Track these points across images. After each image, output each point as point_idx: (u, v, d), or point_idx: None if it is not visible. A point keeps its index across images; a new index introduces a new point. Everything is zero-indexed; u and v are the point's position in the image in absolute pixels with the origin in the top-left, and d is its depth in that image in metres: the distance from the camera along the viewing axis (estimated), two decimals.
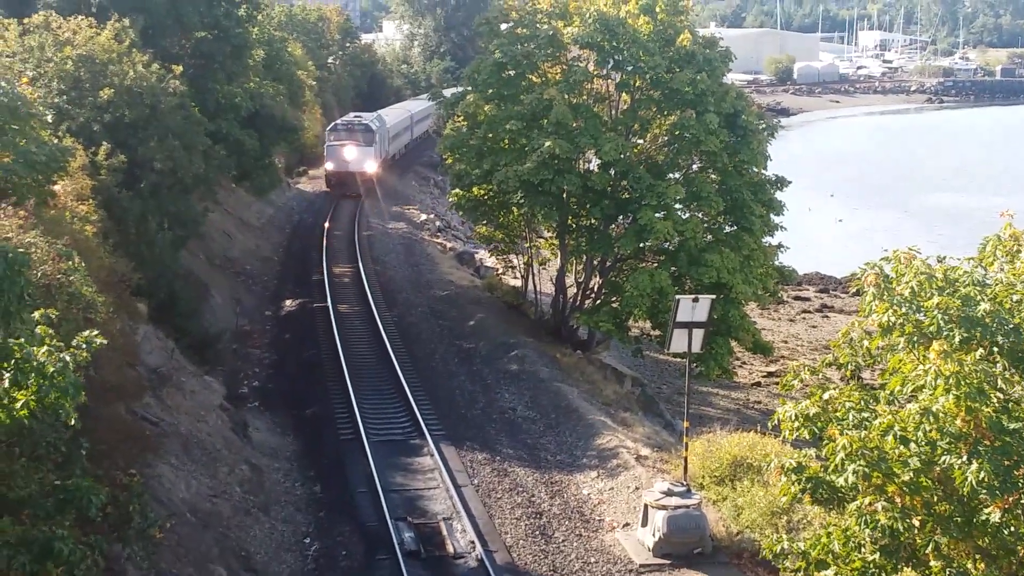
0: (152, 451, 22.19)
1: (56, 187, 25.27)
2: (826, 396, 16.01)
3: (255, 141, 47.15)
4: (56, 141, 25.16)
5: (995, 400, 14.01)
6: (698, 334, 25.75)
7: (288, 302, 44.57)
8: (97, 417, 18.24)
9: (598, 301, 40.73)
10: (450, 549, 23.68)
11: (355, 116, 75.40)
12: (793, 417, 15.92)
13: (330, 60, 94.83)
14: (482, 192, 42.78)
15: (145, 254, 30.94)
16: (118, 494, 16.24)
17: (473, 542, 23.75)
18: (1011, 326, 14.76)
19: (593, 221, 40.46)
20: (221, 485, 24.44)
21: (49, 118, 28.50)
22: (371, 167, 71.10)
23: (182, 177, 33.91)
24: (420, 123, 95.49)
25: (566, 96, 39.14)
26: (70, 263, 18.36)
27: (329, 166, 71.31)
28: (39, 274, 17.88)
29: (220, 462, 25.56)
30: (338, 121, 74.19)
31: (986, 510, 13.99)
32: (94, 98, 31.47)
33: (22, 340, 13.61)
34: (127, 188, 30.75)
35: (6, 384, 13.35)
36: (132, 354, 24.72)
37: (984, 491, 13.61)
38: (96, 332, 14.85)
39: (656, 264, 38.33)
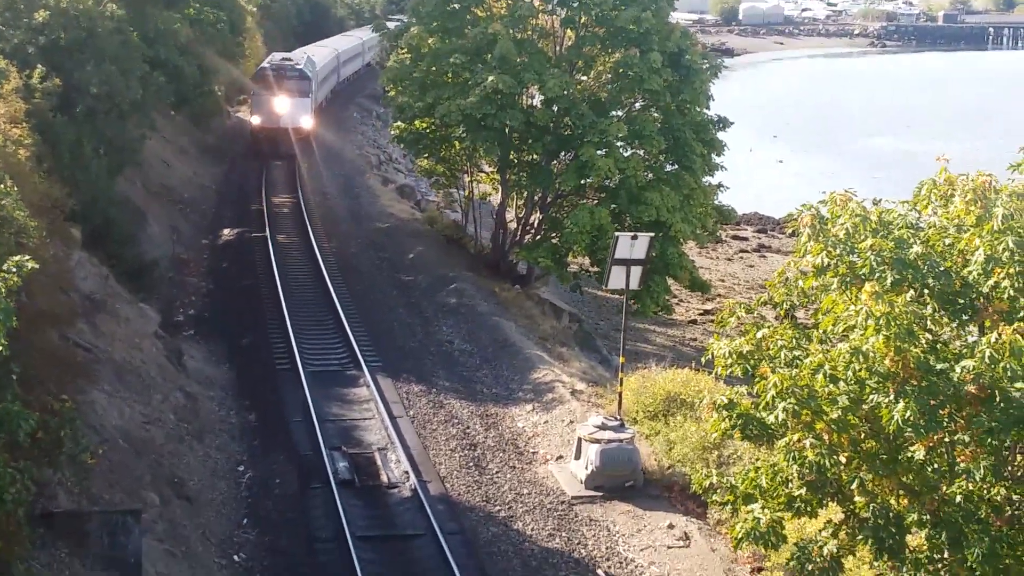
0: (85, 377, 21.96)
1: None
2: (760, 334, 16.15)
3: (194, 68, 46.41)
4: None
5: (924, 341, 14.22)
6: (636, 271, 25.86)
7: (226, 231, 44.15)
8: (29, 342, 18.01)
9: (538, 236, 40.76)
10: (384, 479, 23.76)
11: (284, 59, 60.88)
12: (727, 354, 16.07)
13: None
14: (424, 125, 42.50)
15: (80, 180, 30.41)
16: (49, 420, 16.07)
17: (407, 472, 23.84)
18: (941, 269, 14.93)
19: (535, 157, 40.42)
20: (155, 412, 24.27)
21: None
22: (307, 122, 57.07)
23: (119, 103, 33.35)
24: (348, 63, 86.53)
25: (511, 31, 38.90)
26: (2, 187, 18.04)
27: (256, 121, 56.56)
28: None
29: (154, 389, 25.38)
30: (265, 64, 59.96)
31: (911, 448, 14.24)
32: (29, 19, 30.78)
33: None
34: (62, 112, 30.17)
35: None
36: (65, 280, 24.40)
37: (910, 429, 13.83)
38: (28, 257, 14.64)
39: (596, 201, 38.37)
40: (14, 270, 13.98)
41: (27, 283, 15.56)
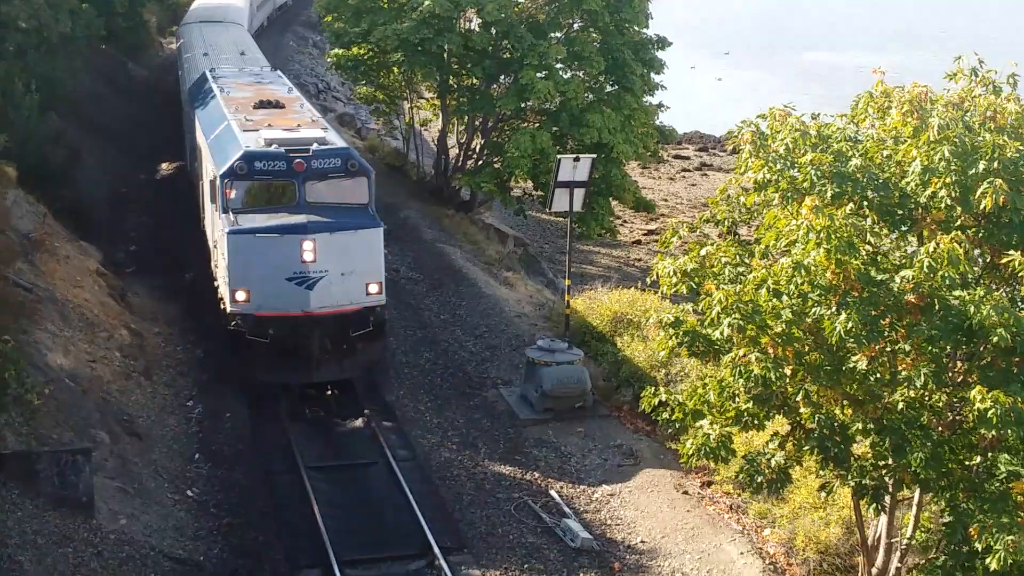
0: (27, 317, 21.75)
1: None
2: (703, 252, 16.31)
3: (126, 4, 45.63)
4: None
5: (864, 253, 14.40)
6: (579, 193, 25.93)
7: (164, 165, 43.53)
8: None
9: (480, 162, 40.63)
10: (335, 410, 23.79)
11: (266, 101, 29.04)
12: (672, 272, 16.20)
13: None
14: (361, 51, 42.01)
15: (12, 117, 29.85)
16: None
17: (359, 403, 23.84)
18: (880, 181, 15.09)
19: (474, 81, 40.15)
20: (100, 350, 24.07)
21: None
22: (376, 290, 24.12)
23: (48, 37, 32.67)
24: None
25: None
26: None
27: (241, 296, 23.53)
28: None
29: (98, 328, 25.14)
30: (251, 145, 24.22)
31: (853, 359, 14.47)
32: None
33: None
34: None
35: None
36: (1, 219, 24.05)
37: (852, 340, 14.07)
38: None
39: (537, 124, 38.23)
40: None
41: None
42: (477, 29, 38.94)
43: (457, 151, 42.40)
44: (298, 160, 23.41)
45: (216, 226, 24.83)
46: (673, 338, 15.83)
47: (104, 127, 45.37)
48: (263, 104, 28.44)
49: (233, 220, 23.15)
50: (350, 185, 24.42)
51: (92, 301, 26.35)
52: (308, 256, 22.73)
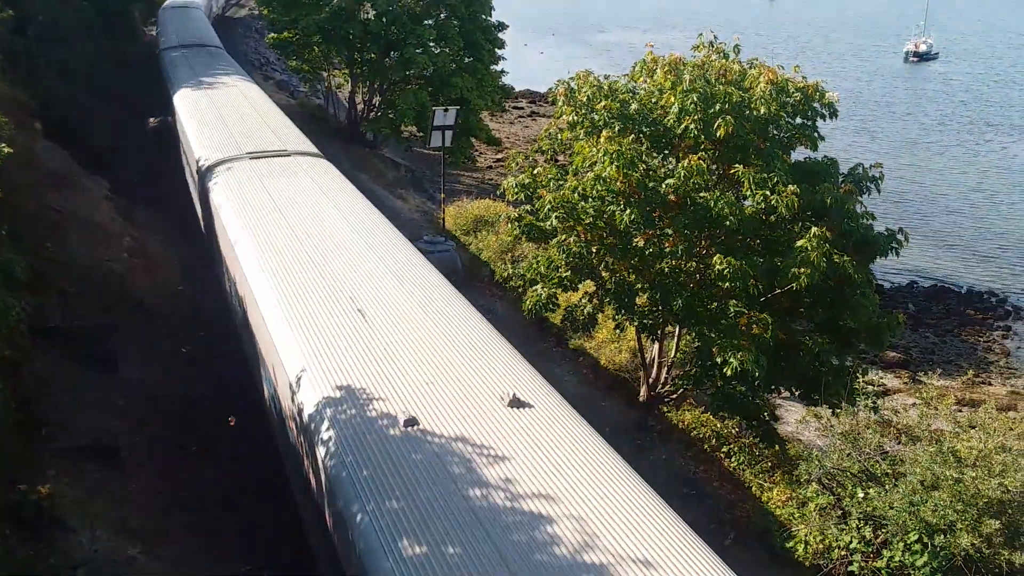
0: (59, 231, 20.77)
1: None
2: (535, 171, 16.43)
3: (118, 2, 42.90)
4: None
5: (641, 168, 14.69)
6: (449, 134, 25.70)
7: (151, 120, 41.38)
8: (14, 206, 16.88)
9: (379, 113, 39.76)
10: None
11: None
12: (514, 186, 16.30)
13: None
14: (290, 35, 40.45)
15: (37, 88, 28.01)
16: (34, 263, 15.23)
17: None
18: (651, 119, 15.33)
19: (373, 56, 39.07)
20: (114, 253, 23.15)
21: None
22: None
23: (61, 27, 30.58)
24: None
25: None
26: None
27: None
28: None
29: (112, 236, 24.12)
30: None
31: (635, 240, 14.82)
32: None
33: None
34: (17, 35, 27.56)
35: None
36: (35, 161, 22.76)
37: (634, 228, 14.41)
38: (3, 144, 13.61)
39: (418, 86, 37.54)
40: None
41: (6, 165, 14.48)
42: (372, 18, 37.81)
43: (362, 106, 41.40)
44: None
45: None
46: (517, 228, 16.00)
47: (106, 93, 42.82)
48: None
49: None
50: None
51: (105, 218, 25.24)
52: None
